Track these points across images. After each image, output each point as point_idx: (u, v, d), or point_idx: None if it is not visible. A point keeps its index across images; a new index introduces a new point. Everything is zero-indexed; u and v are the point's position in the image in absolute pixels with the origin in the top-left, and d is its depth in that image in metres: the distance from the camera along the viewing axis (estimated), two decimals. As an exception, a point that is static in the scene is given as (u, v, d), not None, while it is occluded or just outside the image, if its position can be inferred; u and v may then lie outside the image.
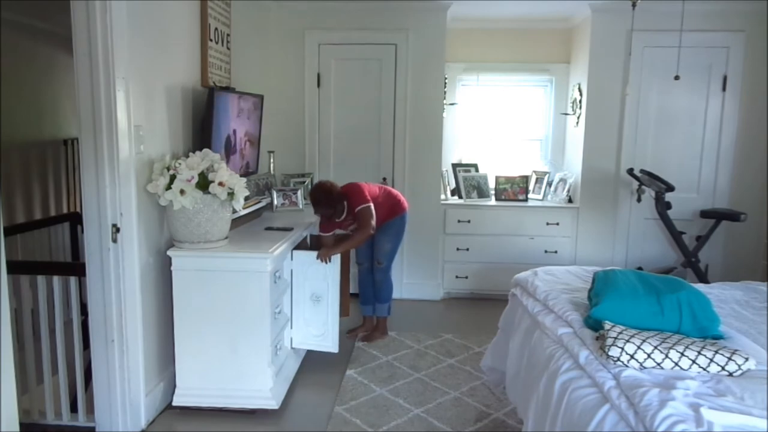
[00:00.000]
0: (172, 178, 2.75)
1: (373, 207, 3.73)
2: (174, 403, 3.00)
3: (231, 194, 2.85)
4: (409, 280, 5.04)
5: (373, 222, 3.70)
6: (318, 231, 3.84)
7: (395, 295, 5.03)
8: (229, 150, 3.43)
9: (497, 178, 5.16)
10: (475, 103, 5.40)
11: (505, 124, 5.43)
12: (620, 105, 4.74)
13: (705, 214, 4.63)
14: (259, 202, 3.98)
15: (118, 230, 2.61)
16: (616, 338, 1.87)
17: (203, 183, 2.79)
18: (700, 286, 2.81)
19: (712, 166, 4.78)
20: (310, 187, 4.89)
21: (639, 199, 4.60)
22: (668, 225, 4.55)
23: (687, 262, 4.57)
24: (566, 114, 5.23)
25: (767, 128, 4.71)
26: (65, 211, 5.45)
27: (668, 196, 4.50)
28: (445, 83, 4.98)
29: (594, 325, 2.10)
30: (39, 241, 3.91)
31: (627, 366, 1.82)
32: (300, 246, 3.61)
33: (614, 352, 1.84)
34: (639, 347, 1.82)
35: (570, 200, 5.00)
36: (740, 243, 4.80)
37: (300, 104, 4.92)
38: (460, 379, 3.43)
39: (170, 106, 3.04)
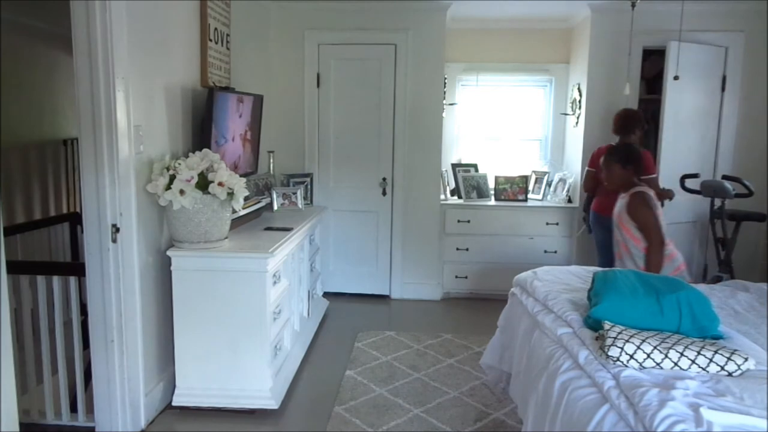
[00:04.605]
0: (172, 178, 2.75)
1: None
2: (174, 403, 3.00)
3: (231, 194, 2.85)
4: (409, 280, 5.04)
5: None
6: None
7: (395, 294, 5.06)
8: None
9: (497, 178, 5.16)
10: (475, 103, 5.40)
11: (504, 124, 5.43)
12: (620, 105, 4.73)
13: (731, 216, 4.37)
14: (259, 202, 3.98)
15: (117, 230, 2.62)
16: (615, 338, 1.87)
17: (203, 183, 2.79)
18: (700, 286, 2.81)
19: (711, 166, 4.78)
20: (310, 187, 4.89)
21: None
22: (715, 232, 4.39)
23: (724, 267, 4.35)
24: (566, 114, 5.23)
25: (767, 128, 4.71)
26: (65, 211, 5.45)
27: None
28: (445, 83, 4.98)
29: (593, 325, 2.10)
30: (39, 241, 3.91)
31: (626, 366, 1.82)
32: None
33: (614, 352, 1.84)
34: (638, 347, 1.82)
35: (569, 200, 5.00)
36: (740, 243, 4.79)
37: (300, 104, 4.92)
38: (460, 379, 3.43)
39: (170, 106, 3.04)
